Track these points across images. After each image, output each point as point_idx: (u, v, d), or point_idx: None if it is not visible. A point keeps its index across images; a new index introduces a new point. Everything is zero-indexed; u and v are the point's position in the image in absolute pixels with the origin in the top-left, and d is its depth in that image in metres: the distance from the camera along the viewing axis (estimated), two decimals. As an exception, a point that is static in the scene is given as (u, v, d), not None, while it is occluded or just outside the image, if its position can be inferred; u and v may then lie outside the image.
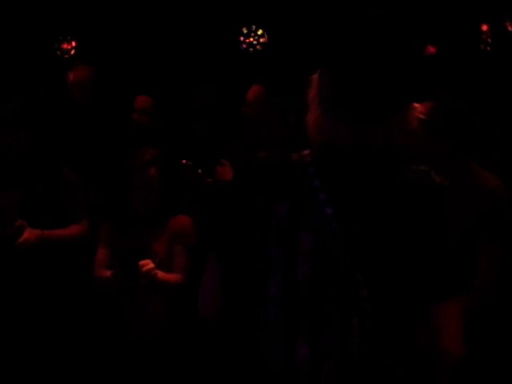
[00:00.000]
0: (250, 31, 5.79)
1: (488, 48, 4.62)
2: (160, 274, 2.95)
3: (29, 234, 3.08)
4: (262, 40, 5.78)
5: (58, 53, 5.75)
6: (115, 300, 3.11)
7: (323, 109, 1.58)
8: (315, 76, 1.62)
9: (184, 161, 3.15)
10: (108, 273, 3.02)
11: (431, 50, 4.68)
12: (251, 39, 5.79)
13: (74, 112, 4.05)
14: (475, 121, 2.71)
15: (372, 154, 1.56)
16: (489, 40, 4.62)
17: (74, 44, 5.74)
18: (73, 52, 5.72)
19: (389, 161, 1.57)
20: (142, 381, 3.07)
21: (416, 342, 1.58)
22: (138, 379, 3.06)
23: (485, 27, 4.64)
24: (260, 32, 5.79)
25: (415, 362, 1.58)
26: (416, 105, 1.60)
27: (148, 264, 2.88)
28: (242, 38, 5.78)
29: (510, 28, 4.49)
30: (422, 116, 1.64)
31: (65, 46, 5.74)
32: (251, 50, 5.76)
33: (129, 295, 3.05)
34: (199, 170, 3.16)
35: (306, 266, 1.55)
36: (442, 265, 1.54)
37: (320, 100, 1.59)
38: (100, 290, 3.15)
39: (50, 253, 3.21)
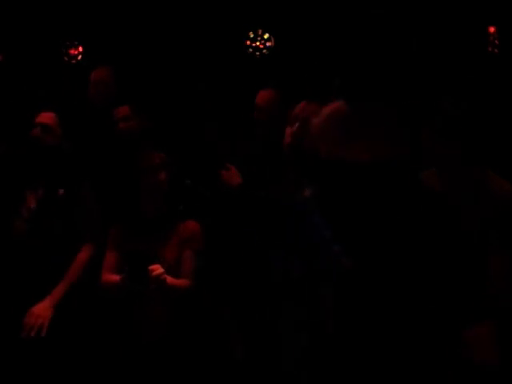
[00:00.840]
0: (256, 35, 5.79)
1: (495, 50, 4.61)
2: (169, 279, 2.97)
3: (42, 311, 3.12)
4: (268, 44, 5.78)
5: (66, 58, 5.76)
6: (124, 303, 3.11)
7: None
8: None
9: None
10: (116, 277, 3.02)
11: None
12: (258, 43, 5.79)
13: (95, 114, 4.07)
14: (478, 124, 2.69)
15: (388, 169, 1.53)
16: (496, 42, 4.61)
17: (80, 49, 5.74)
18: (80, 57, 5.73)
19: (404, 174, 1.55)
20: (150, 381, 3.07)
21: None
22: (146, 380, 3.07)
23: (492, 29, 4.63)
24: (266, 36, 5.79)
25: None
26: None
27: (158, 269, 2.90)
28: (248, 42, 5.78)
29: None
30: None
31: (72, 51, 5.75)
32: (258, 54, 5.76)
33: (138, 298, 3.06)
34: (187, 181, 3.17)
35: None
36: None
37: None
38: (107, 295, 3.15)
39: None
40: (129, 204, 3.23)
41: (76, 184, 3.36)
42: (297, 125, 2.58)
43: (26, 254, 3.24)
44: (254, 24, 5.74)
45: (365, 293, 1.44)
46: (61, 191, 3.30)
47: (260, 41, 5.79)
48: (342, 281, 1.44)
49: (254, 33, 5.78)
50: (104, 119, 4.02)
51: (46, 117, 3.37)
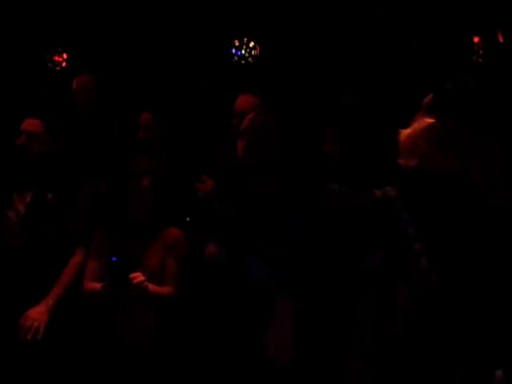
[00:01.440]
0: (241, 43, 5.79)
1: (480, 59, 4.62)
2: (151, 286, 2.97)
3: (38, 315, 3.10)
4: (253, 52, 5.77)
5: (50, 65, 5.74)
6: (108, 308, 3.09)
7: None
8: None
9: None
10: (98, 285, 3.01)
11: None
12: (243, 51, 5.78)
13: (78, 119, 4.06)
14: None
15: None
16: (480, 52, 4.63)
17: (65, 56, 5.73)
18: (64, 64, 5.71)
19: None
20: None
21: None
22: None
23: (476, 39, 4.65)
24: (252, 44, 5.78)
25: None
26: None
27: (139, 277, 2.90)
28: (233, 51, 5.77)
29: (501, 39, 4.50)
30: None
31: (56, 58, 5.73)
32: (243, 62, 5.76)
33: (122, 304, 3.05)
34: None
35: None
36: None
37: None
38: (89, 303, 3.13)
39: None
40: (117, 209, 3.22)
41: (67, 188, 3.34)
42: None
43: (19, 257, 3.21)
44: (240, 32, 5.74)
45: (443, 300, 1.44)
46: (49, 195, 3.29)
47: (245, 49, 5.79)
48: (422, 283, 1.45)
49: (239, 41, 5.78)
50: (89, 125, 4.01)
51: (31, 124, 3.34)
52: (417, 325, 1.46)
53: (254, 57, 5.75)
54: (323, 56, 5.10)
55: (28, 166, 3.31)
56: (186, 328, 3.05)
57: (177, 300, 3.10)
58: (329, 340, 1.68)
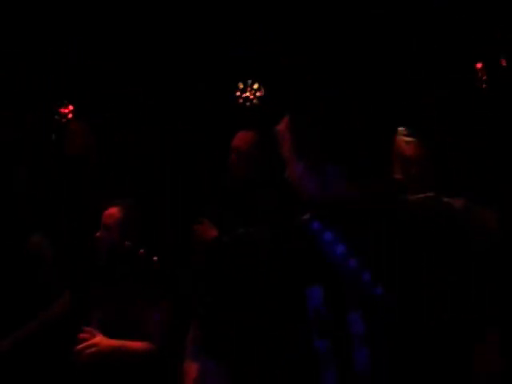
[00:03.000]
0: (246, 86, 5.80)
1: (484, 85, 4.58)
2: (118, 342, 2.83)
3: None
4: (258, 94, 5.78)
5: (56, 117, 5.80)
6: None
7: (309, 162, 1.42)
8: (284, 127, 1.47)
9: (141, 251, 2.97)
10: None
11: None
12: (247, 93, 5.79)
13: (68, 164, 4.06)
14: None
15: (379, 199, 1.42)
16: (484, 77, 4.58)
17: (70, 108, 5.79)
18: (70, 115, 5.77)
19: (396, 201, 1.44)
20: None
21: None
22: None
23: (479, 65, 4.61)
24: (256, 86, 5.79)
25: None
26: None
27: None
28: (238, 93, 5.78)
29: (504, 64, 4.46)
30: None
31: (62, 109, 5.80)
32: (248, 104, 5.76)
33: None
34: (154, 258, 2.96)
35: (364, 351, 1.34)
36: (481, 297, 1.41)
37: (301, 153, 1.44)
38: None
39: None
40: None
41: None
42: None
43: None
44: (244, 74, 5.76)
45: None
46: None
47: (250, 91, 5.80)
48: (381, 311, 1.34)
49: (243, 83, 5.80)
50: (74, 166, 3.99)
51: None
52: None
53: (259, 98, 5.76)
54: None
55: None
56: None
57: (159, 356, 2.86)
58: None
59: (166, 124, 5.33)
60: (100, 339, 2.79)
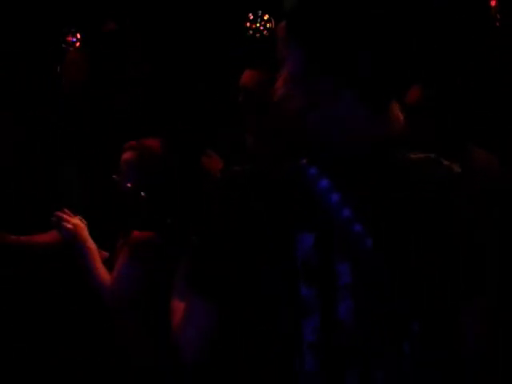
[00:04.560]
0: (256, 17, 5.70)
1: (497, 23, 4.48)
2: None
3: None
4: (268, 25, 5.68)
5: (64, 45, 5.71)
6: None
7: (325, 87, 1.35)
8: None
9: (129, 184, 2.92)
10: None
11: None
12: (257, 25, 5.69)
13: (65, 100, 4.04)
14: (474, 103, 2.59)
15: (378, 147, 1.38)
16: (498, 15, 4.48)
17: (78, 36, 5.70)
18: (78, 44, 5.68)
19: (396, 154, 1.41)
20: None
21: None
22: None
23: (493, 2, 4.50)
24: (266, 17, 5.69)
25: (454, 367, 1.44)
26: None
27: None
28: (248, 24, 5.69)
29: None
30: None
31: (69, 38, 5.70)
32: (258, 35, 5.67)
33: None
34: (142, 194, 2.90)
35: (349, 302, 1.34)
36: (470, 263, 1.39)
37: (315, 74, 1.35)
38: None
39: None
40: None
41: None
42: None
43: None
44: (254, 6, 5.66)
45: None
46: None
47: (260, 22, 5.70)
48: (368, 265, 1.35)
49: (253, 14, 5.70)
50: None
51: None
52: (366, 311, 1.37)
53: (268, 30, 5.66)
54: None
55: None
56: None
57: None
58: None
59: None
60: (79, 222, 2.77)
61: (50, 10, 5.48)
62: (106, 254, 2.93)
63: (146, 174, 2.72)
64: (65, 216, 2.76)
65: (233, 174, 1.45)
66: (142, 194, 2.65)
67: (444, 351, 1.41)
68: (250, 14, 5.69)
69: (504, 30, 4.43)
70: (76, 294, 3.22)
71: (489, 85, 4.06)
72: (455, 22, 4.34)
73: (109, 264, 2.72)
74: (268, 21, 5.69)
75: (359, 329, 1.34)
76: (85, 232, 2.75)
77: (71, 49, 4.32)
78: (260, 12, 5.68)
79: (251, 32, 5.70)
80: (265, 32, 5.70)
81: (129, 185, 2.84)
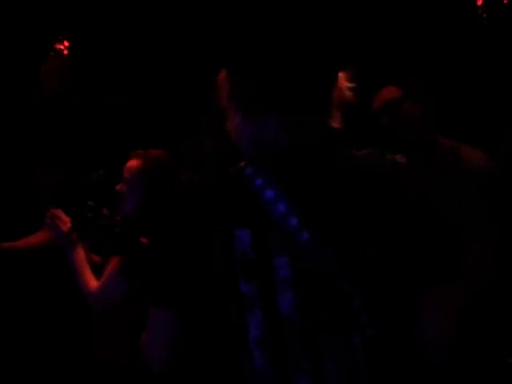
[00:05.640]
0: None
1: (484, 22, 4.47)
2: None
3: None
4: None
5: (52, 53, 5.69)
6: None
7: (245, 112, 1.45)
8: (223, 77, 1.49)
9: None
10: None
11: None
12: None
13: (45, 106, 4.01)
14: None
15: (312, 147, 1.44)
16: (484, 15, 4.47)
17: (66, 44, 5.68)
18: (66, 52, 5.66)
19: (331, 151, 1.45)
20: None
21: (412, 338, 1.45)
22: None
23: (480, 1, 4.49)
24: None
25: (411, 356, 1.44)
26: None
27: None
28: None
29: (505, 0, 4.34)
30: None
31: (57, 46, 5.68)
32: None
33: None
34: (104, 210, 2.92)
35: (290, 295, 1.37)
36: (421, 252, 1.40)
37: (238, 103, 1.46)
38: None
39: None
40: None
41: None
42: None
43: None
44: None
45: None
46: None
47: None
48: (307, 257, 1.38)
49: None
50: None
51: None
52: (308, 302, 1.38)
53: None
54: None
55: None
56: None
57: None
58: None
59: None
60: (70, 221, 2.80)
61: (38, 18, 5.48)
62: (98, 258, 2.96)
63: (149, 182, 2.75)
64: (60, 215, 2.78)
65: (187, 188, 1.58)
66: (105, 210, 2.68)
67: (398, 343, 1.41)
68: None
69: (490, 29, 4.42)
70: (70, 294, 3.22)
71: (476, 80, 4.07)
72: (442, 21, 4.34)
73: (100, 269, 2.74)
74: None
75: (302, 321, 1.37)
76: (75, 235, 2.78)
77: (52, 55, 4.27)
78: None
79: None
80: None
81: (105, 211, 2.87)
